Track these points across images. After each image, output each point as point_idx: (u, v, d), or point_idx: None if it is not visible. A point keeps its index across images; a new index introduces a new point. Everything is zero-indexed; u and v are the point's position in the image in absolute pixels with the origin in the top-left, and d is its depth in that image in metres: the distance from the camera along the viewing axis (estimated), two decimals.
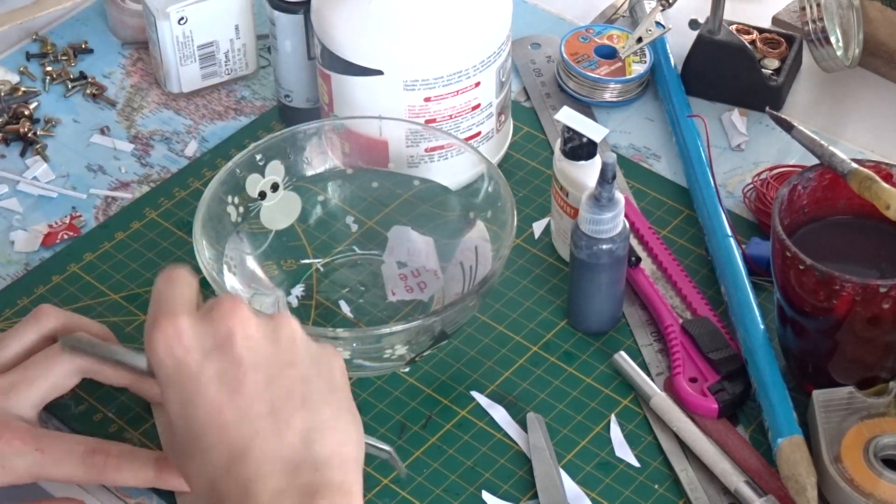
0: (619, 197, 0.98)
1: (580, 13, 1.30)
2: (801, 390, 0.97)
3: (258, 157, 1.03)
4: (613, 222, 0.98)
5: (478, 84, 1.07)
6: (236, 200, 1.02)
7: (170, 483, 0.91)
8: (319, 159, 1.06)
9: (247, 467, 0.77)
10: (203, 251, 0.96)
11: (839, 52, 1.18)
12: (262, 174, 1.03)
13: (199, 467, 0.79)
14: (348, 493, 0.78)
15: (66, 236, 1.10)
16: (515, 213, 0.98)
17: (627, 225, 0.99)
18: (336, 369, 0.83)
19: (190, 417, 0.79)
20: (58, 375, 0.91)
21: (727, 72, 1.19)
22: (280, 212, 1.05)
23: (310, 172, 1.06)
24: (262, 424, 0.78)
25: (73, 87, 1.23)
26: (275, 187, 1.04)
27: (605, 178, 0.96)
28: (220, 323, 0.80)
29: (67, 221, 1.11)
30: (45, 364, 0.91)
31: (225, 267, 1.00)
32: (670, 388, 0.98)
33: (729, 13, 1.20)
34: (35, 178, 1.15)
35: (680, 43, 1.22)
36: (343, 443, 0.80)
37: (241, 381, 0.79)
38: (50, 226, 1.11)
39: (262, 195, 1.03)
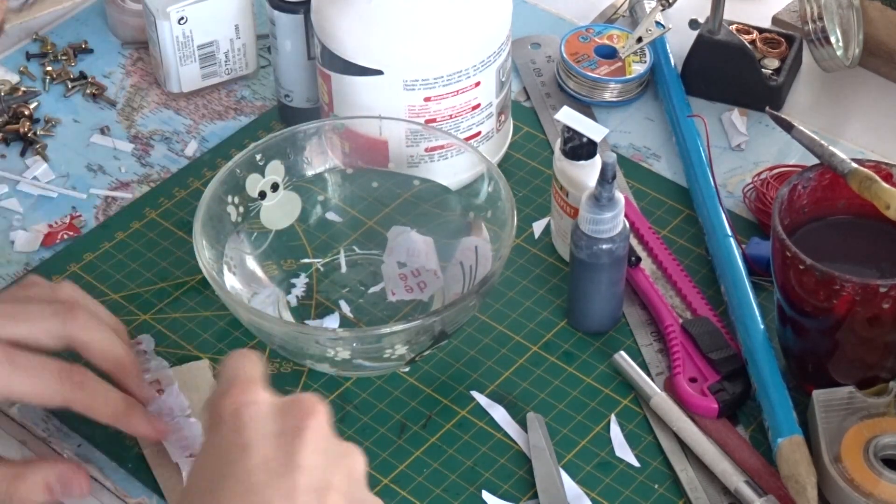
0: (619, 197, 0.98)
1: (580, 13, 1.30)
2: (801, 390, 0.97)
3: (258, 156, 1.03)
4: (613, 222, 0.98)
5: (478, 84, 1.07)
6: (236, 200, 1.02)
7: (134, 426, 0.91)
8: (319, 159, 1.06)
9: None
10: (203, 251, 0.96)
11: (839, 52, 1.18)
12: (262, 174, 1.03)
13: None
14: None
15: (66, 236, 1.10)
16: (515, 212, 0.98)
17: (627, 225, 0.99)
18: None
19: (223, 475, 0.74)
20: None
21: (727, 72, 1.19)
22: (280, 212, 1.05)
23: (310, 172, 1.06)
24: None
25: (73, 87, 1.23)
26: (275, 187, 1.04)
27: (605, 178, 0.96)
28: (295, 415, 0.75)
29: (67, 221, 1.11)
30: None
31: (225, 267, 1.00)
32: (670, 388, 0.98)
33: (729, 13, 1.20)
34: (35, 177, 1.15)
35: (680, 43, 1.22)
36: None
37: (286, 476, 0.73)
38: (50, 226, 1.11)
39: (262, 195, 1.03)
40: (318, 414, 0.75)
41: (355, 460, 0.76)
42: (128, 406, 0.92)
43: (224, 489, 0.73)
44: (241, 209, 1.02)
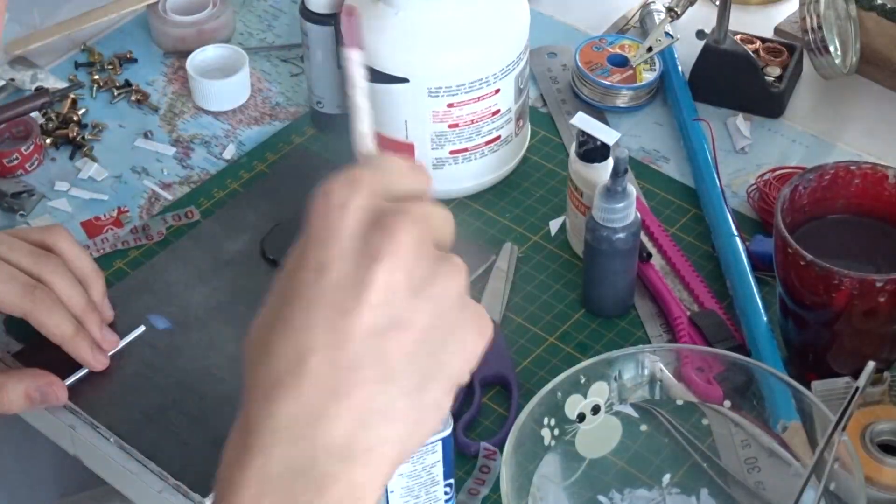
0: (631, 189, 0.98)
1: (594, 24, 1.30)
2: (802, 379, 0.92)
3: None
4: (625, 212, 0.99)
5: (498, 91, 1.08)
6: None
7: (78, 351, 0.96)
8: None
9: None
10: None
11: (837, 61, 1.19)
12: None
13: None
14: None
15: (110, 230, 1.12)
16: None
17: (639, 216, 1.00)
18: (471, 334, 0.61)
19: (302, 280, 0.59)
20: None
21: (732, 79, 1.19)
22: None
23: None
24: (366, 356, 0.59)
25: (119, 94, 1.24)
26: None
27: (618, 171, 0.97)
28: (398, 224, 0.59)
29: (115, 216, 1.13)
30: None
31: None
32: (678, 377, 0.95)
33: (733, 24, 1.20)
34: (91, 177, 1.17)
35: (687, 52, 1.22)
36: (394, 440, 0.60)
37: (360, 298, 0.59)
38: (97, 218, 1.13)
39: None
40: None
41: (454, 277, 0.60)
42: (76, 333, 0.96)
43: (293, 308, 0.59)
44: None
